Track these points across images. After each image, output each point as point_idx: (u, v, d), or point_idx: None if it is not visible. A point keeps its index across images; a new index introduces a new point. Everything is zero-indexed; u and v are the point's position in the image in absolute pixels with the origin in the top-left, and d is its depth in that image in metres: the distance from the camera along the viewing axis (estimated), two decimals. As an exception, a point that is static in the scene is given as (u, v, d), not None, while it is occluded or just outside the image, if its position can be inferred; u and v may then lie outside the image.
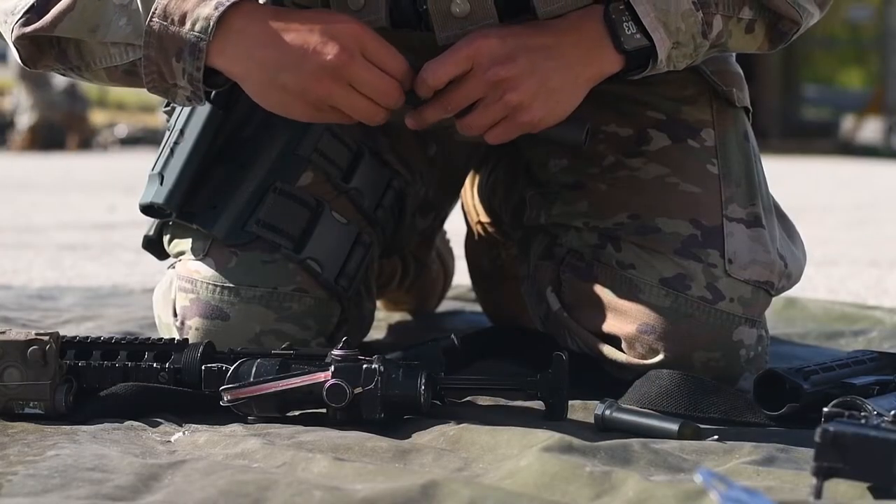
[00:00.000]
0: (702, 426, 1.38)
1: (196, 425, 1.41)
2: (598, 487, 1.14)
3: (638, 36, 1.48)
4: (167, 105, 1.70)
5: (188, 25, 1.45)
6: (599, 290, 1.59)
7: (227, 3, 1.45)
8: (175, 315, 1.63)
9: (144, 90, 1.51)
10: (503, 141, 1.52)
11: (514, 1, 1.53)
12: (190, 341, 1.50)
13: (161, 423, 1.41)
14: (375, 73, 1.45)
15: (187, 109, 1.64)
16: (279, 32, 1.45)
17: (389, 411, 1.39)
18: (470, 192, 2.13)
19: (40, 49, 1.53)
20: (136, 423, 1.40)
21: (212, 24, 1.44)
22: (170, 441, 1.35)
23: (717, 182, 1.61)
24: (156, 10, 1.46)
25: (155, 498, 1.12)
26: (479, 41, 1.46)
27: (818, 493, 1.07)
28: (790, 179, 7.73)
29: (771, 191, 1.69)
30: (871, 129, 15.36)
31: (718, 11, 1.51)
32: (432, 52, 1.49)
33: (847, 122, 16.00)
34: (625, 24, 1.48)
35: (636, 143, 1.65)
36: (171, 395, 1.45)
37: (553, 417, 1.43)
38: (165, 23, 1.45)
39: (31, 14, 1.51)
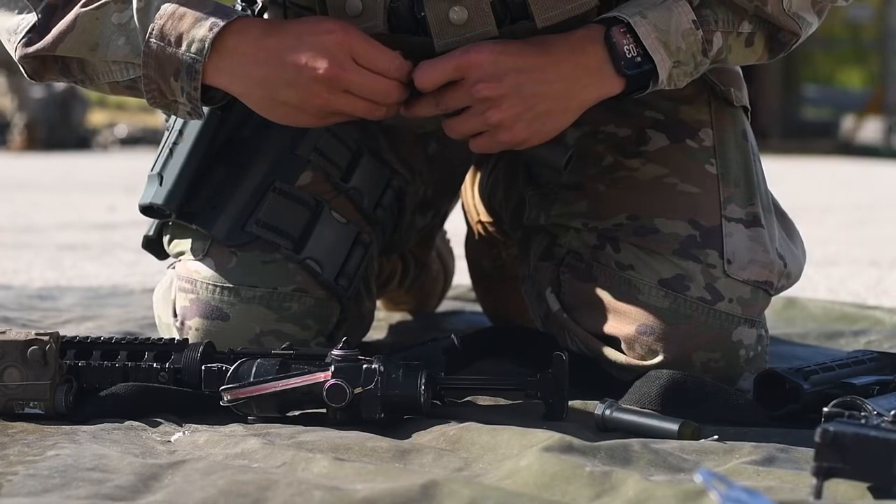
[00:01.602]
0: (702, 426, 1.38)
1: (196, 425, 1.41)
2: (598, 487, 1.14)
3: (639, 59, 1.48)
4: (167, 105, 1.70)
5: (184, 47, 1.46)
6: (599, 291, 1.59)
7: (222, 24, 1.46)
8: (175, 315, 1.63)
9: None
10: (486, 152, 1.53)
11: (511, 8, 1.53)
12: (190, 341, 1.50)
13: (161, 423, 1.41)
14: (369, 77, 1.46)
15: (187, 109, 1.64)
16: (271, 50, 1.46)
17: (389, 411, 1.39)
18: (470, 191, 2.13)
19: (45, 64, 1.55)
20: (136, 423, 1.40)
21: (207, 45, 1.46)
22: (170, 441, 1.35)
23: (716, 182, 1.61)
24: (153, 30, 1.47)
25: (155, 498, 1.12)
26: (473, 54, 1.47)
27: (818, 493, 1.07)
28: (790, 179, 7.73)
29: (771, 190, 1.69)
30: (871, 129, 15.36)
31: (718, 28, 1.51)
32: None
33: (847, 122, 16.00)
34: (626, 46, 1.48)
35: (635, 144, 1.65)
36: (171, 395, 1.45)
37: (553, 417, 1.43)
38: (162, 43, 1.47)
39: (33, 34, 1.52)
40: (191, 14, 1.47)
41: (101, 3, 1.49)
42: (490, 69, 1.46)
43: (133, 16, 1.48)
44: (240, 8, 1.62)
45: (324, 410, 1.40)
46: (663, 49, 1.48)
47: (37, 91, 13.01)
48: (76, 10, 1.50)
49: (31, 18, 1.53)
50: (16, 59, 1.55)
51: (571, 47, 1.49)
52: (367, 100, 1.47)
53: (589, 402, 1.49)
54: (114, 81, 1.53)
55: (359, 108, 1.48)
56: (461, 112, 1.50)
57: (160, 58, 1.47)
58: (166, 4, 1.47)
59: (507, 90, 1.47)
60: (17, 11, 1.54)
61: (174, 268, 1.66)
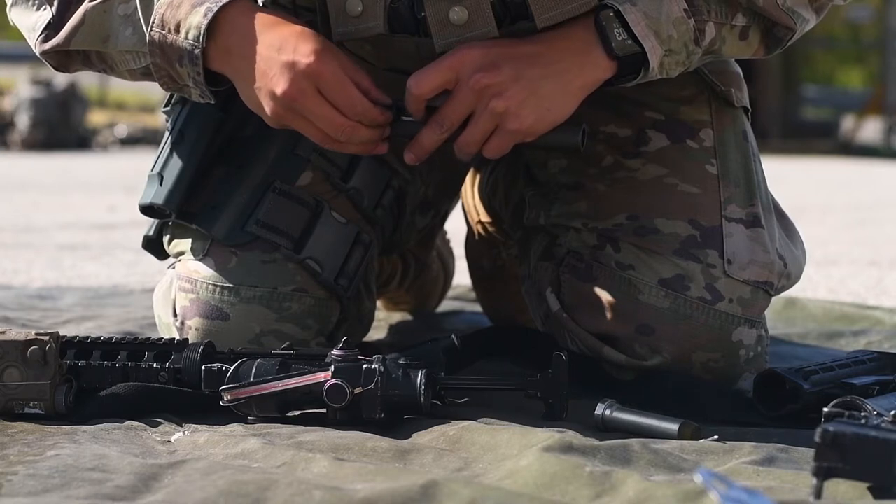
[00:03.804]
0: (702, 426, 1.38)
1: (196, 425, 1.41)
2: (598, 487, 1.14)
3: (629, 42, 1.48)
4: (167, 105, 1.70)
5: (182, 34, 1.49)
6: (599, 290, 1.59)
7: (215, 10, 1.48)
8: (175, 315, 1.63)
9: (149, 87, 1.55)
10: (500, 154, 1.52)
11: (511, 8, 1.53)
12: (190, 341, 1.50)
13: (161, 423, 1.41)
14: (326, 110, 1.47)
15: (187, 110, 1.65)
16: (252, 50, 1.48)
17: (389, 411, 1.39)
18: (470, 191, 2.13)
19: (68, 56, 1.59)
20: (136, 423, 1.40)
21: (202, 32, 1.48)
22: (170, 441, 1.35)
23: (716, 182, 1.61)
24: (154, 19, 1.50)
25: (155, 498, 1.12)
26: (463, 52, 1.48)
27: (818, 493, 1.07)
28: (790, 179, 7.73)
29: (771, 191, 1.69)
30: (871, 129, 15.38)
31: (711, 18, 1.51)
32: (432, 59, 1.50)
33: (847, 122, 16.02)
34: (615, 30, 1.48)
35: (635, 144, 1.65)
36: (171, 395, 1.45)
37: (553, 417, 1.43)
38: (164, 31, 1.50)
39: (49, 30, 1.57)
40: (188, 1, 1.48)
41: None
42: (483, 60, 1.47)
43: (137, 6, 1.51)
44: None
45: (324, 410, 1.40)
46: (654, 37, 1.48)
47: (27, 90, 13.00)
48: (84, 4, 1.54)
49: (47, 15, 1.57)
50: (37, 54, 1.60)
51: (562, 34, 1.50)
52: (319, 128, 1.49)
53: (589, 402, 1.49)
54: (131, 69, 1.57)
55: (312, 135, 1.50)
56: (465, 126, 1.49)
57: (163, 46, 1.50)
58: None
59: (506, 77, 1.46)
60: (35, 7, 1.58)
61: (174, 268, 1.66)
